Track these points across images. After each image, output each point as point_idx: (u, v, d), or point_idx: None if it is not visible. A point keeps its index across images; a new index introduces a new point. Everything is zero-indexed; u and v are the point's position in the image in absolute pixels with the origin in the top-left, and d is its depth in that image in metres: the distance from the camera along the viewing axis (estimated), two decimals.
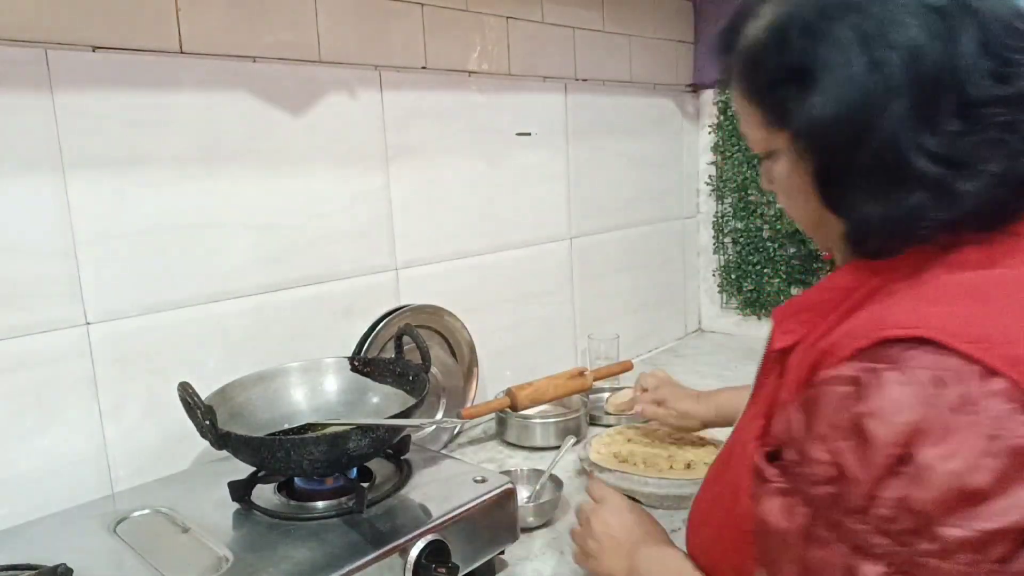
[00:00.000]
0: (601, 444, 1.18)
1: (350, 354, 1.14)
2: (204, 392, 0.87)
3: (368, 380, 0.98)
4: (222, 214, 1.01)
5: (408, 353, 1.00)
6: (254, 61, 1.03)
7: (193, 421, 0.79)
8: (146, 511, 0.84)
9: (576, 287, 1.61)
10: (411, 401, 0.90)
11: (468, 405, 1.30)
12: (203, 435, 0.79)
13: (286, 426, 0.90)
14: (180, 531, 0.80)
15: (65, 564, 0.71)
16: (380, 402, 0.94)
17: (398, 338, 0.99)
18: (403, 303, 1.24)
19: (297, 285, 1.10)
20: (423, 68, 1.26)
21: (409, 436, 0.95)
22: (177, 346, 0.98)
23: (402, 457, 0.94)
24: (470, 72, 1.33)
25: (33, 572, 0.70)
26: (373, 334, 1.15)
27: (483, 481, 0.88)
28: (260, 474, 0.86)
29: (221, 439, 0.78)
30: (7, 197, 0.83)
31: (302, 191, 1.10)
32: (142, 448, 0.96)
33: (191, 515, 0.82)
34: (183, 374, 0.95)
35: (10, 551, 0.76)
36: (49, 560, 0.72)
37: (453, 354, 1.30)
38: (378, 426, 0.79)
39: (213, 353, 1.01)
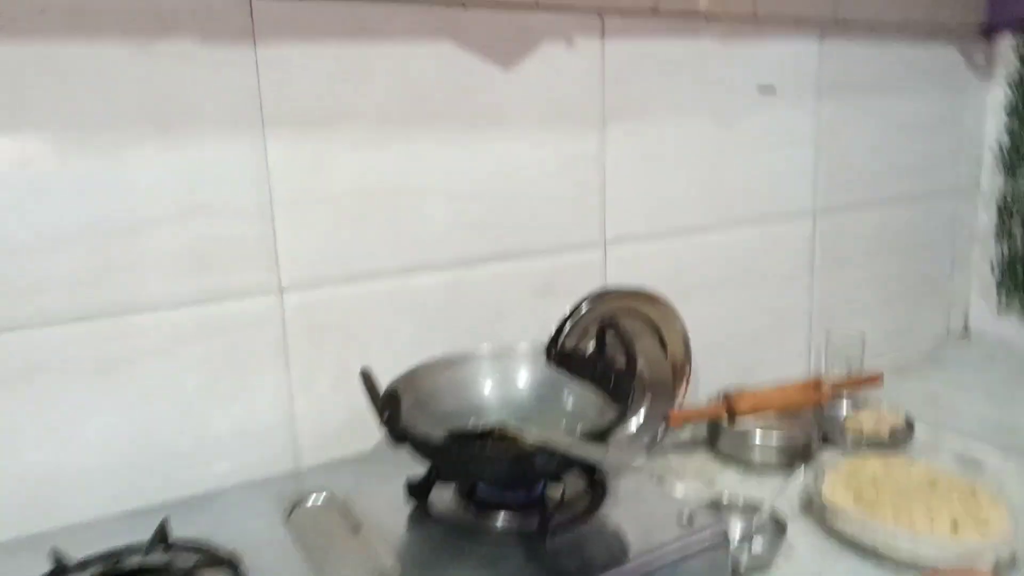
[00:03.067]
0: (838, 477, 0.97)
1: (549, 337, 1.03)
2: (393, 371, 0.80)
3: (563, 376, 0.85)
4: (422, 178, 0.93)
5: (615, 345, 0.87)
6: (464, 8, 0.92)
7: (373, 411, 0.72)
8: (323, 495, 0.79)
9: (817, 273, 1.37)
10: (609, 412, 0.76)
11: (677, 406, 1.14)
12: (383, 429, 0.71)
13: (472, 421, 0.80)
14: (351, 529, 0.73)
15: (235, 552, 0.67)
16: (576, 405, 0.81)
17: (600, 330, 0.85)
18: (610, 283, 1.10)
19: (495, 259, 1.00)
20: (653, 11, 1.08)
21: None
22: (370, 318, 0.92)
23: (597, 474, 0.81)
24: (707, 16, 1.13)
25: (202, 556, 0.68)
26: (575, 317, 1.02)
27: (691, 523, 0.72)
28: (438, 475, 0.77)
29: (399, 436, 0.70)
30: (206, 155, 0.79)
31: (507, 154, 0.98)
32: (330, 422, 0.92)
33: (366, 508, 0.76)
34: (375, 348, 0.91)
35: (189, 523, 0.74)
36: (222, 539, 0.69)
37: (663, 345, 1.14)
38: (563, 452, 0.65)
39: (406, 327, 0.95)
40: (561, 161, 1.03)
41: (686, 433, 1.18)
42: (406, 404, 0.77)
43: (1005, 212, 1.58)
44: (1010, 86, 1.53)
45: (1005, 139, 1.55)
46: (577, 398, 0.81)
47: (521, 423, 0.78)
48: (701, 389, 1.21)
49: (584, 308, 1.04)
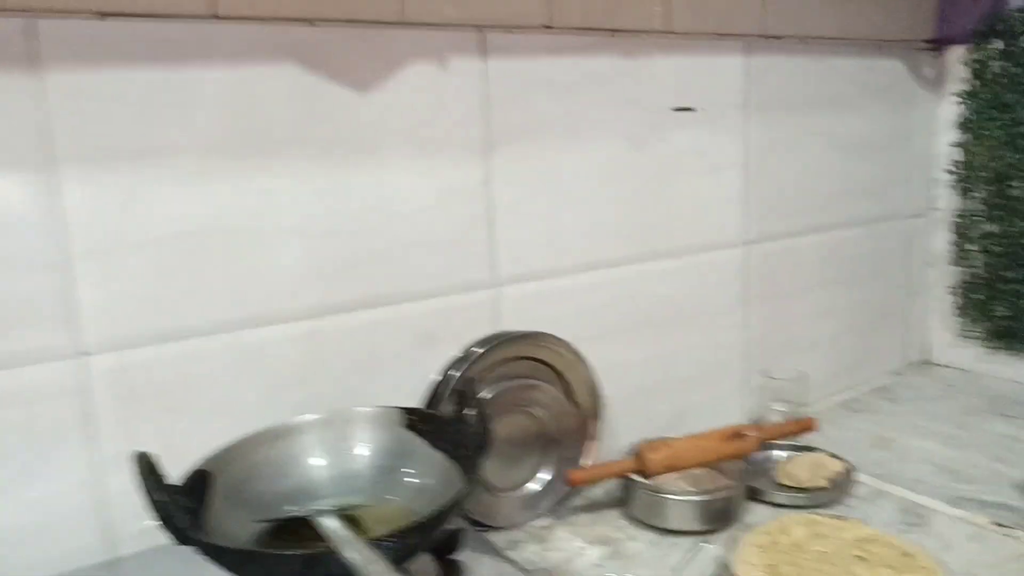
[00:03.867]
0: (755, 547, 0.85)
1: (428, 393, 0.91)
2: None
3: (419, 441, 0.74)
4: (265, 217, 0.81)
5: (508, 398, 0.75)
6: (311, 25, 0.81)
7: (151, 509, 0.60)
8: None
9: (752, 308, 1.25)
10: (456, 486, 0.64)
11: (585, 462, 1.02)
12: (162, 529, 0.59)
13: (290, 508, 0.68)
14: None
15: None
16: (421, 477, 0.70)
17: (459, 393, 0.74)
18: (504, 328, 0.98)
19: (364, 305, 0.88)
20: (546, 27, 0.97)
21: (461, 530, 0.70)
22: (203, 381, 0.80)
23: (452, 556, 0.69)
24: (613, 31, 1.03)
25: None
26: (460, 369, 0.91)
27: None
28: None
29: (181, 535, 0.58)
30: None
31: (372, 188, 0.87)
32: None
33: None
34: (211, 416, 0.79)
35: None
36: None
37: (570, 395, 1.03)
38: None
39: (251, 391, 0.82)
40: (440, 193, 0.92)
41: (598, 491, 1.06)
42: (219, 489, 0.66)
43: (962, 234, 1.47)
44: (962, 100, 1.43)
45: (959, 156, 1.45)
46: (424, 469, 0.70)
47: (354, 507, 0.67)
48: (622, 441, 1.10)
49: (474, 356, 0.93)
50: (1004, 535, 0.93)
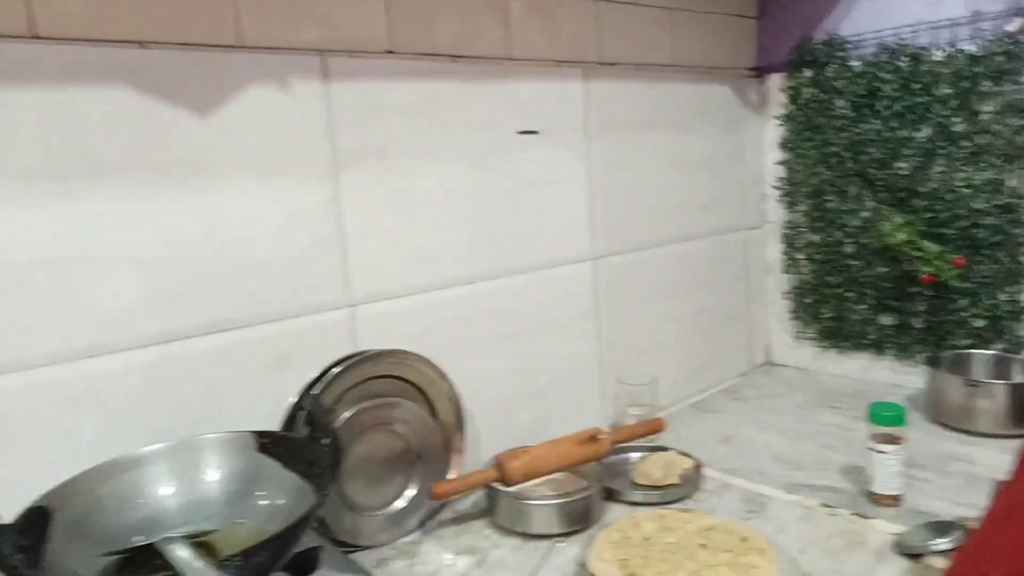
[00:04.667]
0: (609, 543, 0.89)
1: (285, 414, 0.90)
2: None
3: (271, 463, 0.73)
4: (97, 244, 0.78)
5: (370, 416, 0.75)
6: (141, 47, 0.80)
7: None
8: None
9: (602, 319, 1.32)
10: (309, 501, 0.64)
11: (450, 476, 1.04)
12: None
13: (138, 539, 0.66)
14: None
15: None
16: (274, 499, 0.69)
17: (311, 413, 0.74)
18: (362, 348, 0.99)
19: (208, 332, 0.86)
20: (388, 52, 1.00)
21: (319, 547, 0.69)
22: (33, 419, 0.75)
23: (310, 574, 0.68)
24: (454, 56, 1.07)
25: None
26: (320, 384, 0.90)
27: None
28: None
29: (13, 572, 0.55)
30: None
31: (213, 212, 0.86)
32: None
33: None
34: (44, 455, 0.74)
35: None
36: None
37: (433, 411, 1.04)
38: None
39: (88, 426, 0.78)
40: (286, 215, 0.92)
41: (467, 503, 1.08)
42: (60, 524, 0.62)
43: (790, 243, 1.61)
44: (782, 122, 1.57)
45: (783, 173, 1.60)
46: (276, 490, 0.69)
47: (204, 533, 0.65)
48: (489, 451, 1.12)
49: (330, 377, 0.93)
50: (830, 514, 1.02)
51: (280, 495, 0.69)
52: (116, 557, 0.64)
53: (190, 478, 0.70)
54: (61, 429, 0.76)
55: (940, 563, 0.86)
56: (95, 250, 0.78)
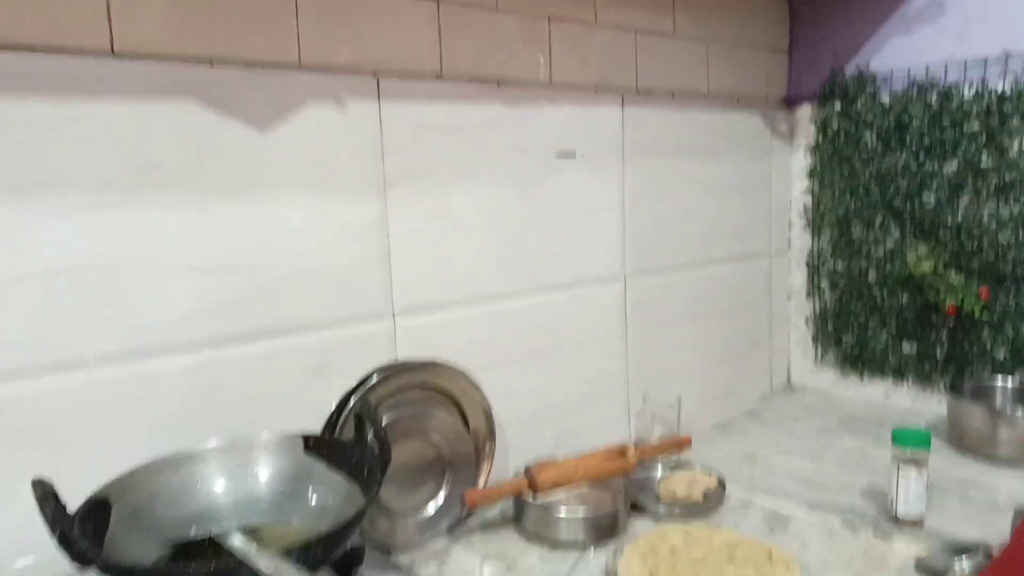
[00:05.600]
0: (637, 553, 0.92)
1: (327, 418, 0.94)
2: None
3: (319, 465, 0.77)
4: (157, 252, 0.83)
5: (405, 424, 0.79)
6: (211, 65, 0.85)
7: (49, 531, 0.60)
8: None
9: (631, 338, 1.35)
10: (357, 503, 0.68)
11: (481, 484, 1.07)
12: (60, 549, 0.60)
13: (192, 532, 0.69)
14: None
15: None
16: (322, 499, 0.73)
17: (357, 418, 0.78)
18: (401, 358, 1.03)
19: (257, 337, 0.91)
20: (438, 76, 1.05)
21: (362, 547, 0.73)
22: (88, 417, 0.79)
23: (353, 572, 0.72)
24: (499, 82, 1.12)
25: None
26: (354, 399, 0.94)
27: None
28: None
29: (80, 557, 0.59)
30: None
31: (269, 225, 0.91)
32: (36, 544, 0.75)
33: None
34: (98, 454, 0.78)
35: None
36: None
37: (465, 420, 1.08)
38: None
39: (140, 425, 0.82)
40: (336, 230, 0.96)
41: (494, 511, 1.11)
42: (119, 515, 0.66)
43: (813, 270, 1.64)
44: (810, 152, 1.61)
45: (809, 201, 1.63)
46: (325, 490, 0.73)
47: (256, 529, 0.69)
48: (517, 462, 1.15)
49: (368, 387, 0.97)
50: (852, 534, 1.04)
51: (328, 495, 0.73)
52: (172, 548, 0.67)
53: (241, 476, 0.74)
54: (116, 426, 0.80)
55: None
56: (154, 257, 0.82)
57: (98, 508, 0.65)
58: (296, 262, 0.93)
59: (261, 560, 0.56)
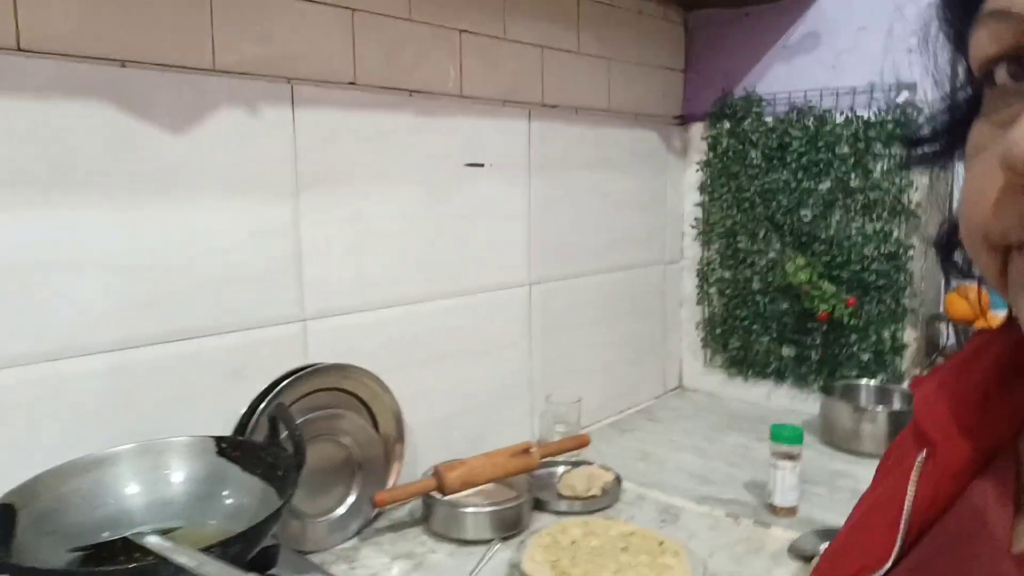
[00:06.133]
0: (539, 547, 0.97)
1: (237, 424, 0.94)
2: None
3: (233, 467, 0.77)
4: (69, 251, 0.81)
5: (315, 427, 0.81)
6: (122, 66, 0.84)
7: None
8: None
9: (535, 341, 1.41)
10: (273, 504, 0.69)
11: (389, 485, 1.09)
12: None
13: (106, 535, 0.69)
14: None
15: None
16: (237, 500, 0.74)
17: (271, 420, 0.79)
18: (312, 361, 1.04)
19: (169, 339, 0.90)
20: (351, 84, 1.07)
21: (276, 546, 0.74)
22: None
23: (269, 571, 0.73)
24: (411, 91, 1.15)
25: None
26: (266, 401, 0.95)
27: None
28: None
29: None
30: None
31: (182, 225, 0.90)
32: None
33: None
34: (9, 454, 0.76)
35: None
36: None
37: (375, 422, 1.10)
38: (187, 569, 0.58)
39: (52, 425, 0.81)
40: (249, 232, 0.97)
41: (402, 512, 1.13)
42: (25, 521, 0.65)
43: (703, 278, 1.75)
44: (701, 168, 1.72)
45: (700, 213, 1.74)
46: (240, 491, 0.74)
47: (170, 530, 0.69)
48: (425, 463, 1.18)
49: (280, 389, 0.97)
50: (734, 523, 1.13)
51: (243, 497, 0.74)
52: (84, 552, 0.67)
53: (154, 479, 0.74)
54: (25, 429, 0.78)
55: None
56: (66, 256, 0.81)
57: (2, 514, 0.64)
58: (211, 264, 0.93)
59: (181, 556, 0.57)
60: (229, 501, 0.74)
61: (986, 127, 0.34)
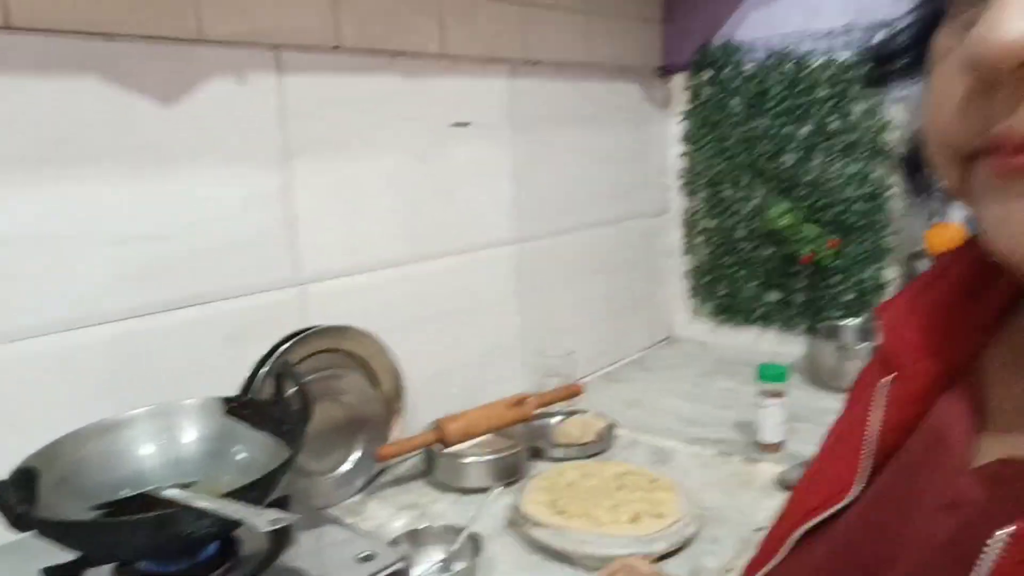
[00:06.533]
0: (538, 489, 1.02)
1: (242, 387, 0.97)
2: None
3: (241, 426, 0.81)
4: (68, 225, 0.83)
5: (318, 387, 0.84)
6: (111, 39, 0.85)
7: None
8: None
9: (525, 298, 1.44)
10: (280, 455, 0.73)
11: (390, 441, 1.13)
12: None
13: (125, 492, 0.73)
14: None
15: None
16: (250, 455, 0.77)
17: (277, 377, 0.82)
18: (310, 324, 1.07)
19: (171, 308, 0.93)
20: (335, 48, 1.08)
21: (287, 496, 0.78)
22: (5, 389, 0.80)
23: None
24: (393, 53, 1.16)
25: None
26: (269, 363, 0.98)
27: (371, 559, 0.71)
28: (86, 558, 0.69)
29: (20, 520, 0.61)
30: None
31: (177, 195, 0.92)
32: None
33: None
34: (24, 422, 0.79)
35: None
36: None
37: (375, 381, 1.13)
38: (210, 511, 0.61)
39: (63, 394, 0.84)
40: (243, 199, 0.99)
41: (404, 467, 1.18)
42: (47, 483, 0.69)
43: (690, 229, 1.78)
44: (684, 118, 1.73)
45: (684, 164, 1.76)
46: (251, 447, 0.77)
47: (187, 484, 0.73)
48: (424, 419, 1.22)
49: (281, 351, 1.00)
50: (724, 461, 1.18)
51: (254, 451, 0.77)
52: (105, 510, 0.70)
53: (167, 439, 0.77)
54: (40, 398, 0.82)
55: None
56: (70, 230, 0.83)
57: (25, 477, 0.67)
58: (207, 232, 0.95)
59: (201, 502, 0.61)
60: (240, 456, 0.77)
61: (951, 30, 0.32)
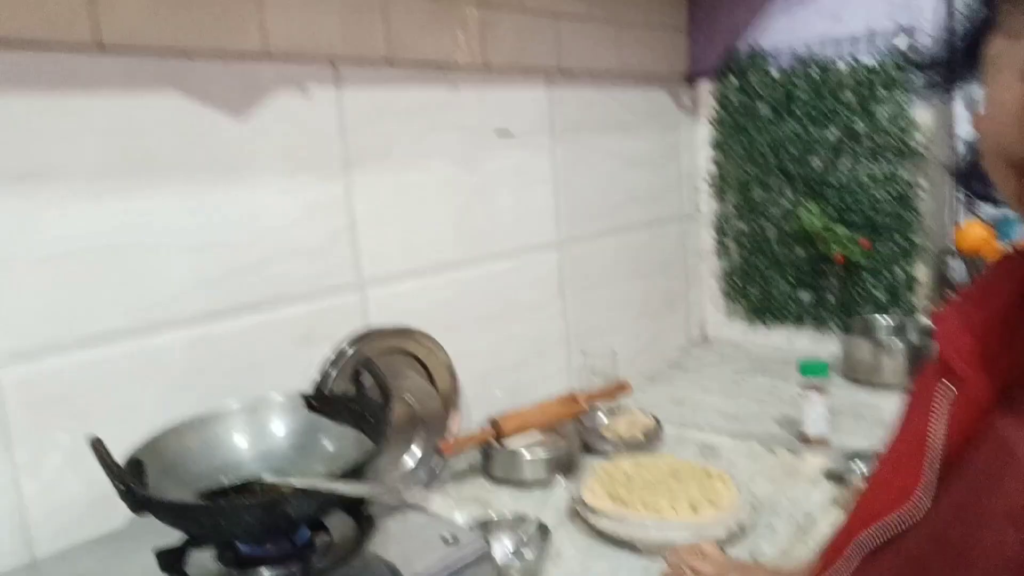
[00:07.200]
0: (596, 480, 1.05)
1: (313, 384, 1.02)
2: (135, 441, 0.75)
3: (324, 420, 0.85)
4: (151, 233, 0.88)
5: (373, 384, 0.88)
6: (189, 59, 0.90)
7: (112, 482, 0.67)
8: None
9: (567, 299, 1.48)
10: (367, 446, 0.77)
11: (450, 436, 1.17)
12: (122, 498, 0.66)
13: (224, 480, 0.77)
14: None
15: None
16: (335, 446, 0.81)
17: (356, 373, 0.87)
18: (371, 325, 1.11)
19: (244, 311, 0.97)
20: (387, 61, 1.13)
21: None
22: (102, 387, 0.85)
23: (363, 512, 0.81)
24: (439, 66, 1.21)
25: None
26: (338, 362, 1.03)
27: (454, 542, 0.75)
28: (193, 540, 0.73)
29: (140, 503, 0.66)
30: None
31: (246, 204, 0.97)
32: (67, 505, 0.83)
33: None
34: (115, 417, 0.85)
35: None
36: None
37: (431, 380, 1.17)
38: (321, 491, 0.66)
39: (149, 392, 0.89)
40: (307, 207, 1.03)
41: (462, 462, 1.21)
42: (152, 473, 0.73)
43: (721, 232, 1.82)
44: (712, 124, 1.78)
45: (713, 169, 1.80)
46: (336, 440, 0.81)
47: (278, 474, 0.77)
48: (476, 417, 1.26)
49: (347, 351, 1.05)
50: (770, 454, 1.21)
51: (341, 443, 0.81)
52: (208, 494, 0.75)
53: (259, 432, 0.81)
54: (129, 395, 0.87)
55: (860, 484, 1.06)
56: (149, 239, 0.88)
57: (135, 467, 0.71)
58: (275, 239, 1.00)
59: (305, 482, 0.65)
60: (329, 449, 0.81)
61: (1002, 40, 0.32)
